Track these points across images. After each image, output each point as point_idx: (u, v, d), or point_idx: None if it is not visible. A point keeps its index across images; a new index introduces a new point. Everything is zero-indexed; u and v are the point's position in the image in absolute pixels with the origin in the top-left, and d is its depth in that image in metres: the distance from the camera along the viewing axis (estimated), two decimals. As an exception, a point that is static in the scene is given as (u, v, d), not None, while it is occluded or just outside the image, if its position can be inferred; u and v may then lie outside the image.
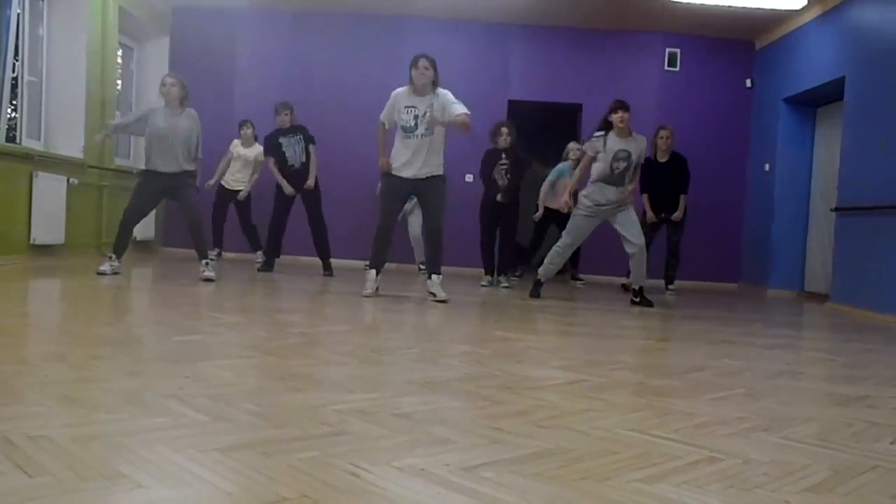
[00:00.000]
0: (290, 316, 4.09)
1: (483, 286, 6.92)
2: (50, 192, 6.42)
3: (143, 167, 5.91)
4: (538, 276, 6.05)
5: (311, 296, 5.29)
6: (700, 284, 8.89)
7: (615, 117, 5.65)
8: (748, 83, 8.97)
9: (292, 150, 7.05)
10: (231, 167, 7.88)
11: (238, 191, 7.85)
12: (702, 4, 7.66)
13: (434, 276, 5.36)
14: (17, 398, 1.99)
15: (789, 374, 3.17)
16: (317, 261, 7.38)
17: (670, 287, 7.43)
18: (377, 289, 5.36)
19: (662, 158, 7.22)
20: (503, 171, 6.90)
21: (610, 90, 8.83)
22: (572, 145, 7.63)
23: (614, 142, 5.68)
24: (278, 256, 7.32)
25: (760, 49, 8.87)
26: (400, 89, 5.27)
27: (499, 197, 6.92)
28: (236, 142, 7.92)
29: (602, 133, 5.76)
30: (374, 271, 5.37)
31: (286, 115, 7.06)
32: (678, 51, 8.93)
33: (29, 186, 6.20)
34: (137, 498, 1.35)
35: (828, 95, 7.67)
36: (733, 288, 8.92)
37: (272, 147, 7.09)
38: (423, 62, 5.14)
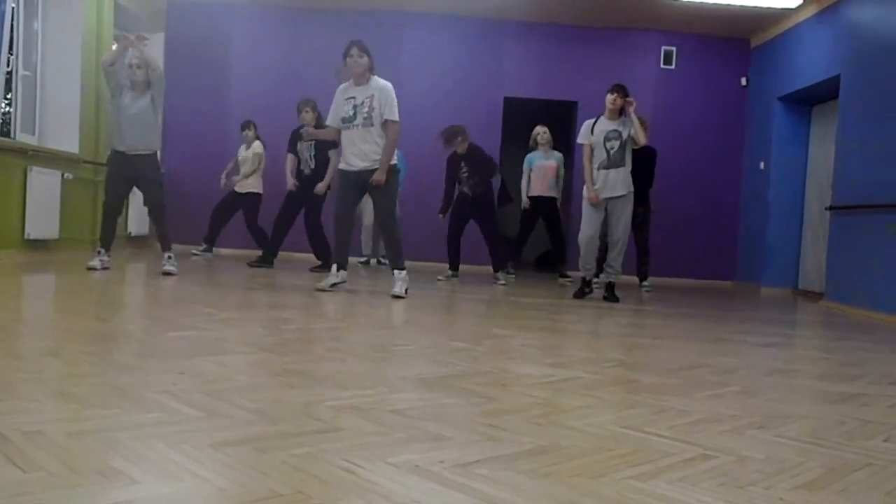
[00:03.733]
0: (285, 312, 4.08)
1: (439, 279, 6.96)
2: (44, 187, 6.40)
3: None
4: (583, 276, 6.05)
5: (307, 292, 5.28)
6: (695, 282, 8.91)
7: (608, 97, 5.80)
8: (743, 81, 8.99)
9: (303, 154, 7.10)
10: (239, 170, 7.86)
11: (244, 194, 7.79)
12: (698, 2, 7.66)
13: (396, 272, 5.26)
14: (11, 393, 1.98)
15: (783, 372, 3.17)
16: (312, 257, 7.39)
17: (644, 284, 7.46)
18: (338, 283, 5.34)
19: (635, 147, 7.21)
20: (465, 178, 6.91)
21: (605, 88, 8.82)
22: (538, 129, 7.62)
23: (603, 124, 5.82)
24: (275, 255, 7.31)
25: (756, 47, 8.89)
26: (341, 85, 5.26)
27: (441, 216, 7.04)
28: (242, 147, 7.94)
29: (591, 120, 5.89)
30: (335, 266, 5.36)
31: (307, 112, 6.96)
32: (674, 48, 8.94)
33: (23, 181, 6.18)
34: (131, 493, 1.35)
35: (823, 94, 7.69)
36: (728, 286, 8.94)
37: (292, 147, 7.18)
38: (355, 50, 5.10)
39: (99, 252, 5.73)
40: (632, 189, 5.85)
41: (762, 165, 8.48)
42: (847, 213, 6.59)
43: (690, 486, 1.58)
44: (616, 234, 5.84)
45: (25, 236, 6.22)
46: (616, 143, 5.76)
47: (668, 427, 2.07)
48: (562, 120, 9.53)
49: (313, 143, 6.99)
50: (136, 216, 8.14)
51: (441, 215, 7.16)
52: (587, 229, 5.88)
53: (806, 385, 2.93)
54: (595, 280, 7.16)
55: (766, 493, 1.58)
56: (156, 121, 5.79)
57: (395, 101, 5.16)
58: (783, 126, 8.29)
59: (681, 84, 8.96)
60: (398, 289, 5.18)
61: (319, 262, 7.22)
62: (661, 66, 8.96)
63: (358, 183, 5.21)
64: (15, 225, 6.13)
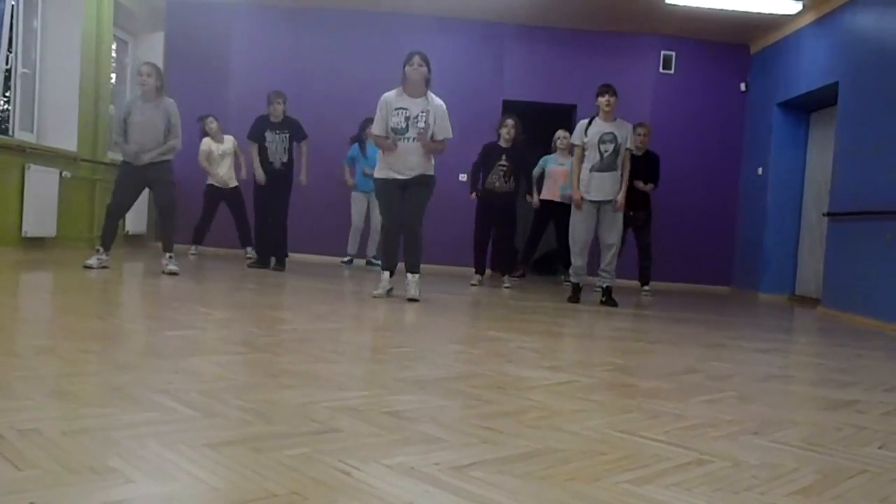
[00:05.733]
0: (281, 312, 4.08)
1: (473, 285, 6.91)
2: (42, 185, 6.39)
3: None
4: (575, 282, 6.03)
5: (303, 292, 5.28)
6: (692, 287, 8.91)
7: (601, 101, 5.75)
8: (742, 87, 9.00)
9: (275, 146, 6.88)
10: (216, 166, 7.83)
11: (229, 189, 7.79)
12: (697, 8, 7.67)
13: (410, 275, 5.24)
14: (7, 391, 1.98)
15: (779, 378, 3.18)
16: (309, 258, 7.37)
17: (646, 288, 7.45)
18: (391, 290, 5.31)
19: (638, 153, 7.12)
20: (501, 174, 6.81)
21: (605, 92, 8.86)
22: (560, 133, 7.60)
23: (598, 126, 5.78)
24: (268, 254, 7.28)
25: (755, 53, 8.90)
26: (388, 93, 5.17)
27: (473, 195, 6.89)
28: (207, 140, 7.82)
29: (585, 121, 5.86)
30: (387, 273, 5.33)
31: (279, 104, 6.83)
32: (673, 53, 8.95)
33: (21, 179, 6.18)
34: (126, 492, 1.35)
35: (821, 100, 7.71)
36: (725, 291, 8.95)
37: (257, 136, 6.90)
38: (417, 59, 5.05)
39: (98, 251, 5.71)
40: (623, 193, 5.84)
41: (760, 171, 8.49)
42: (845, 219, 6.60)
43: (685, 492, 1.58)
44: (609, 239, 5.83)
45: (23, 234, 6.21)
46: (610, 147, 5.73)
47: (663, 432, 2.07)
48: (561, 123, 9.53)
49: (287, 134, 6.88)
50: (134, 215, 8.14)
51: (474, 194, 6.97)
52: (579, 233, 5.84)
53: (802, 391, 2.93)
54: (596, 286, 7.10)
55: (761, 498, 1.58)
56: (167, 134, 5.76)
57: (448, 119, 5.18)
58: (782, 132, 8.30)
59: (680, 89, 8.97)
60: (415, 292, 5.17)
61: (279, 261, 7.13)
62: (661, 70, 8.97)
63: (399, 185, 5.18)
64: (12, 223, 6.13)
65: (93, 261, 5.63)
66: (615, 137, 5.73)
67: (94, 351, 2.61)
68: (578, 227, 5.86)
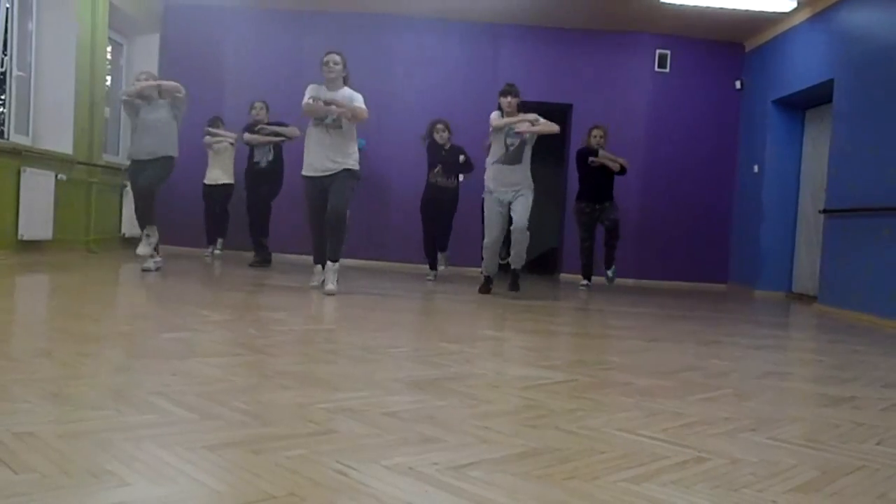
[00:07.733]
0: (278, 314, 4.08)
1: (429, 279, 7.07)
2: (38, 188, 6.38)
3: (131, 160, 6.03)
4: (486, 275, 6.07)
5: (300, 293, 5.28)
6: (689, 284, 8.92)
7: (503, 101, 5.83)
8: (738, 85, 9.00)
9: (260, 149, 7.38)
10: (211, 163, 7.96)
11: (219, 185, 7.82)
12: (692, 6, 7.68)
13: (329, 263, 5.32)
14: (3, 394, 1.97)
15: (777, 375, 3.18)
16: (307, 259, 7.35)
17: (608, 273, 7.43)
18: (323, 281, 5.38)
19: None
20: (442, 170, 6.98)
21: (600, 91, 8.86)
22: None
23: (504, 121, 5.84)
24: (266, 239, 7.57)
25: (750, 51, 8.91)
26: (312, 84, 5.29)
27: (434, 178, 6.99)
28: (210, 139, 8.02)
29: (498, 113, 5.91)
30: (319, 266, 5.52)
31: (262, 110, 7.44)
32: (668, 52, 8.95)
33: (17, 181, 6.16)
34: (123, 495, 1.34)
35: (817, 98, 7.71)
36: (722, 288, 8.96)
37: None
38: (331, 58, 5.22)
39: (147, 236, 5.85)
40: (531, 184, 5.85)
41: (756, 169, 8.50)
42: (841, 216, 6.60)
43: (684, 489, 1.59)
44: (516, 221, 5.75)
45: (18, 237, 6.19)
46: (516, 140, 5.79)
47: (661, 430, 2.07)
48: (558, 123, 9.53)
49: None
50: (130, 218, 8.12)
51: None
52: (491, 233, 5.83)
53: (799, 388, 2.94)
54: (586, 283, 7.11)
55: (760, 495, 1.58)
56: (175, 129, 5.94)
57: (364, 103, 5.24)
58: (777, 129, 8.30)
59: (675, 87, 8.97)
60: (332, 286, 5.24)
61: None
62: (656, 69, 8.97)
63: (321, 184, 5.26)
64: (8, 226, 6.11)
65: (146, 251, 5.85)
66: (520, 133, 5.78)
67: (91, 353, 2.61)
68: (491, 228, 5.83)
